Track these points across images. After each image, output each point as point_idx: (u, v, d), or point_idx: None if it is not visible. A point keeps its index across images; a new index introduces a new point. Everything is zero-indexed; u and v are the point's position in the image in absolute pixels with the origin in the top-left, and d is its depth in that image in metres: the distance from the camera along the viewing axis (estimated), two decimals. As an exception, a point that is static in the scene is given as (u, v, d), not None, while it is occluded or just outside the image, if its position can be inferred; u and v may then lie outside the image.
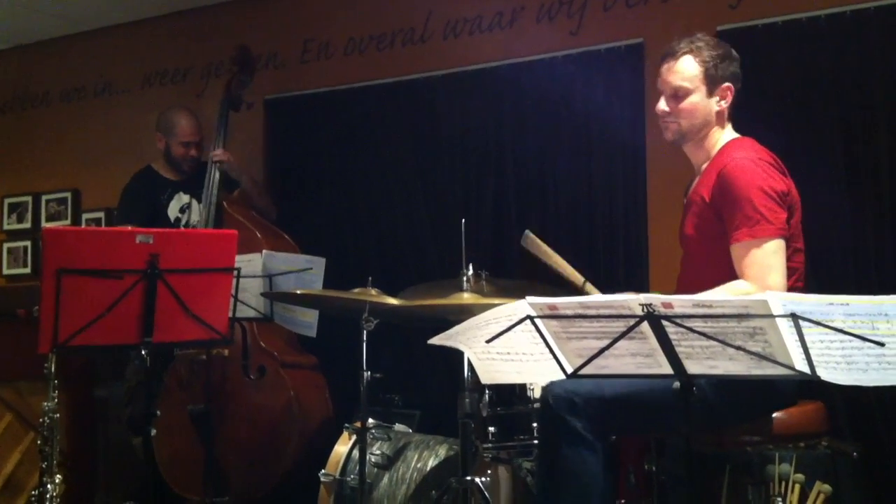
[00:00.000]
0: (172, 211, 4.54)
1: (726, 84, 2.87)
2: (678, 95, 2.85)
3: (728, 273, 2.69)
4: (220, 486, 3.91)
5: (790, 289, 2.68)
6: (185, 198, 4.56)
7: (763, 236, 2.63)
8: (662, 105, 2.89)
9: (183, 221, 4.53)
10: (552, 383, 2.61)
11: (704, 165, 2.90)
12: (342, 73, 5.02)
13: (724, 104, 2.88)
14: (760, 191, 2.66)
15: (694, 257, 2.93)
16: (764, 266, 2.62)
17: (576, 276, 3.11)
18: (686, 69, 2.84)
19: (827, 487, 2.54)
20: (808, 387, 2.65)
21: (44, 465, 2.92)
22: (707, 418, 2.55)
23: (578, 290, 3.11)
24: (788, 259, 2.69)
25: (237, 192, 4.53)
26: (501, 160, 4.55)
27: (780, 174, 2.76)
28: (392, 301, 3.13)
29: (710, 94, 2.86)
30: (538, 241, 3.16)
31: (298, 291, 3.46)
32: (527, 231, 3.19)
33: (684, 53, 2.85)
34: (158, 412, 3.05)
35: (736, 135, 2.93)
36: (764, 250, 2.63)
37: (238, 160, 4.61)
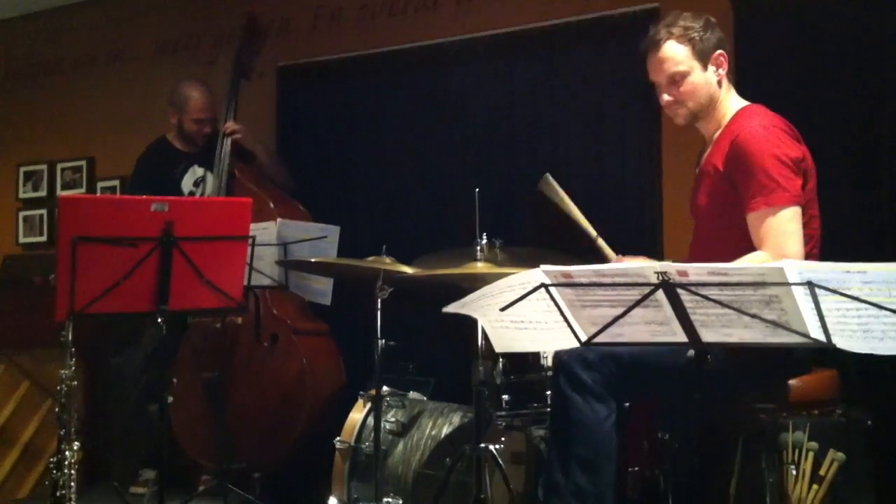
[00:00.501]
0: (186, 184, 4.52)
1: (717, 52, 2.85)
2: (676, 81, 2.84)
3: (740, 242, 2.68)
4: (235, 453, 3.94)
5: (807, 255, 2.68)
6: (199, 171, 4.54)
7: (779, 204, 2.62)
8: (665, 96, 2.88)
9: (197, 194, 4.51)
10: None
11: (716, 134, 2.89)
12: (354, 40, 4.99)
13: (722, 72, 2.87)
14: (775, 158, 2.65)
15: (706, 227, 2.92)
16: (781, 233, 2.61)
17: (589, 229, 3.12)
18: (674, 53, 2.82)
19: (840, 455, 2.55)
20: (823, 355, 2.65)
21: (62, 433, 2.95)
22: (721, 385, 2.55)
23: (591, 242, 3.11)
24: (805, 226, 2.68)
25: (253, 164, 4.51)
26: (514, 127, 4.53)
27: (793, 140, 2.74)
28: (406, 269, 3.13)
29: (706, 67, 2.84)
30: (556, 185, 3.16)
31: (313, 260, 3.46)
32: (546, 175, 3.19)
33: (666, 40, 2.83)
34: (175, 380, 3.07)
35: (743, 101, 2.91)
36: (780, 218, 2.62)
37: (250, 129, 4.59)
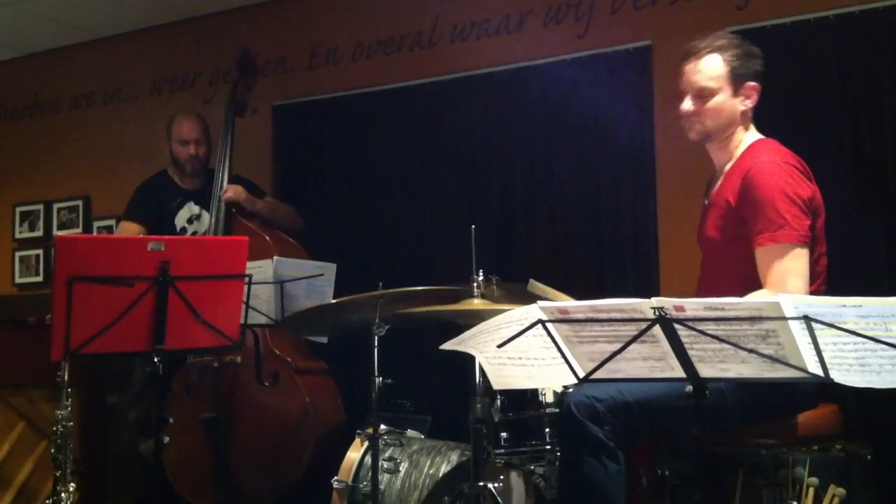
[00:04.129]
0: (180, 220, 4.51)
1: (751, 83, 2.83)
2: (703, 95, 2.81)
3: (749, 276, 2.66)
4: (231, 492, 3.90)
5: (814, 293, 2.66)
6: (195, 208, 4.54)
7: (786, 241, 2.60)
8: (687, 105, 2.84)
9: (190, 231, 4.51)
10: (572, 390, 2.61)
11: (728, 166, 2.87)
12: (350, 78, 5.03)
13: (749, 104, 2.84)
14: (785, 196, 2.63)
15: (715, 260, 2.90)
16: (785, 271, 2.59)
17: None
18: (711, 68, 2.80)
19: (841, 490, 2.53)
20: (823, 389, 2.65)
21: (57, 474, 2.92)
22: (726, 420, 2.54)
23: None
24: (813, 263, 2.67)
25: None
26: (509, 164, 4.56)
27: (805, 179, 2.73)
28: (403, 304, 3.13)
29: (736, 93, 2.82)
30: (541, 286, 3.14)
31: (319, 303, 3.44)
32: (531, 280, 3.19)
33: (709, 52, 2.80)
34: (171, 419, 3.05)
35: (758, 135, 2.90)
36: (785, 256, 2.60)
37: (246, 165, 4.60)
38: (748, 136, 2.88)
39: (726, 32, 2.89)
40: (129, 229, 4.45)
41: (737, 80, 2.81)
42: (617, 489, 2.54)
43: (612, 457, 2.53)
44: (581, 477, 2.54)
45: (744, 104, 2.84)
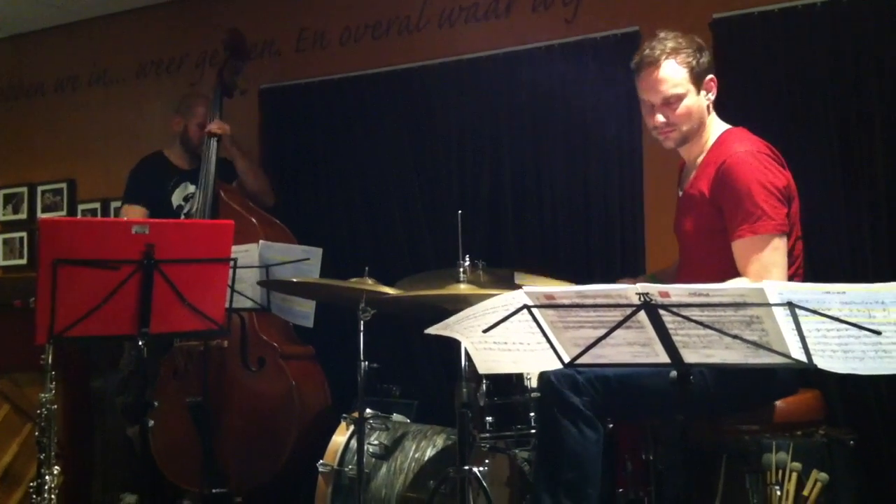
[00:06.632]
0: (176, 198, 4.54)
1: (709, 77, 2.85)
2: (670, 103, 2.81)
3: (729, 266, 2.68)
4: (219, 477, 3.91)
5: (791, 277, 2.68)
6: (191, 188, 4.54)
7: (764, 232, 2.62)
8: (660, 118, 2.83)
9: (185, 209, 4.52)
10: None
11: (700, 159, 2.88)
12: (338, 62, 5.00)
13: (712, 96, 2.87)
14: (761, 186, 2.64)
15: (693, 252, 2.92)
16: (765, 262, 2.61)
17: None
18: (672, 75, 2.80)
19: (824, 475, 2.55)
20: (806, 375, 2.66)
21: (41, 457, 2.91)
22: (707, 406, 2.55)
23: None
24: (790, 248, 2.69)
25: (235, 182, 4.52)
26: (497, 149, 4.55)
27: (779, 167, 2.74)
28: (389, 291, 3.13)
29: (699, 91, 2.83)
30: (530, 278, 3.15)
31: (295, 280, 3.45)
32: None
33: (665, 59, 2.79)
34: (156, 403, 3.04)
35: (725, 124, 2.91)
36: (765, 247, 2.62)
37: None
38: (715, 126, 2.90)
39: (667, 32, 2.86)
40: (134, 213, 4.45)
41: (698, 78, 2.82)
42: (594, 457, 2.54)
43: (591, 425, 2.54)
44: (558, 442, 2.55)
45: (707, 98, 2.86)
